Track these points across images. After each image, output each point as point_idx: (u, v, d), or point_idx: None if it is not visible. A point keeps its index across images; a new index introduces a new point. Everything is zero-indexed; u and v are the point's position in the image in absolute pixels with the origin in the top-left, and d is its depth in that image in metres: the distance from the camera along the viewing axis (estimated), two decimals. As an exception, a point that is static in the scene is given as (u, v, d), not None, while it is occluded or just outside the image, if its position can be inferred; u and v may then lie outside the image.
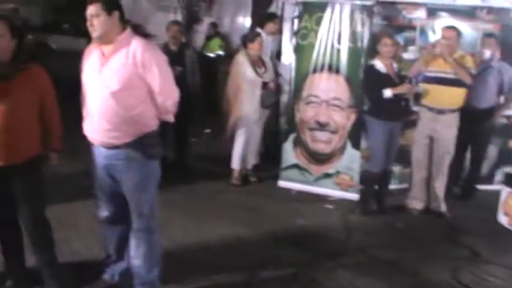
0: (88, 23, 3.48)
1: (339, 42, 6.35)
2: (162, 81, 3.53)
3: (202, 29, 14.74)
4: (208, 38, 12.98)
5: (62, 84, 3.86)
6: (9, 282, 3.98)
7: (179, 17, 14.70)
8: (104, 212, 3.91)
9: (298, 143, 6.71)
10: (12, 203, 3.77)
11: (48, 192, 3.89)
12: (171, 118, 3.77)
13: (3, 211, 3.83)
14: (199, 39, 14.31)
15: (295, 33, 6.64)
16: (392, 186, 6.57)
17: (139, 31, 12.07)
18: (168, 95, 3.63)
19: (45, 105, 3.76)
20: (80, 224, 5.16)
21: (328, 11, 6.34)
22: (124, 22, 3.57)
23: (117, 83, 3.44)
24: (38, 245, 3.90)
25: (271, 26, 7.30)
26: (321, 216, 5.96)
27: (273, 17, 7.60)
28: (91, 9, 3.45)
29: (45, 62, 3.96)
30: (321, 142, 6.60)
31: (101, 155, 3.67)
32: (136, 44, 3.49)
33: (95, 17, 3.45)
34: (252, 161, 6.89)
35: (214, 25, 13.41)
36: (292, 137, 6.74)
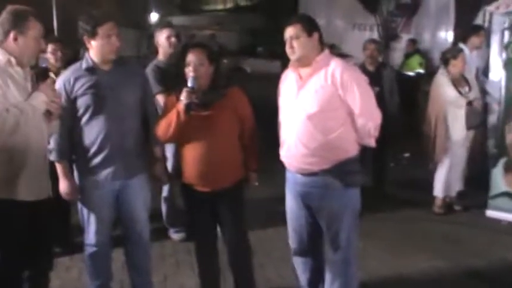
0: (287, 45, 3.60)
1: (557, 55, 5.96)
2: (363, 102, 3.52)
3: (400, 46, 14.63)
4: (407, 55, 12.86)
5: (256, 108, 4.08)
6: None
7: (375, 35, 14.71)
8: (294, 244, 3.99)
9: (510, 168, 6.36)
10: (214, 227, 4.08)
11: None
12: (372, 143, 3.72)
13: (207, 235, 4.12)
14: (397, 57, 14.20)
15: (505, 47, 6.34)
16: None
17: (334, 51, 12.31)
18: (370, 117, 3.59)
19: (244, 126, 3.97)
20: (273, 251, 5.35)
21: (545, 20, 6.00)
22: (322, 43, 3.67)
23: (315, 105, 3.51)
24: (239, 268, 4.16)
25: (475, 40, 7.06)
26: (537, 252, 5.58)
27: (477, 29, 7.34)
28: (291, 31, 3.58)
29: (240, 86, 4.18)
30: (537, 168, 6.20)
31: (296, 182, 3.76)
32: (335, 65, 3.53)
33: (295, 39, 3.56)
34: (456, 187, 6.66)
35: (413, 42, 13.25)
36: (502, 161, 6.40)
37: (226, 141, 3.86)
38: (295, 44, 3.57)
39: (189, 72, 3.74)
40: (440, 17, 14.68)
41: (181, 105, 3.67)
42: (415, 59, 12.36)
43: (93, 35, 3.73)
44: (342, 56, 12.82)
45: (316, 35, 3.59)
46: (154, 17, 31.29)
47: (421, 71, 11.98)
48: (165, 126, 3.78)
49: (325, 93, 3.50)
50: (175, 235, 5.61)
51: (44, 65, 5.37)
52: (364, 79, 3.64)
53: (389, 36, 15.23)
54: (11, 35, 3.31)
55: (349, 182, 3.64)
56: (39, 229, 3.56)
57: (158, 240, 5.31)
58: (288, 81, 3.75)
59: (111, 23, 3.77)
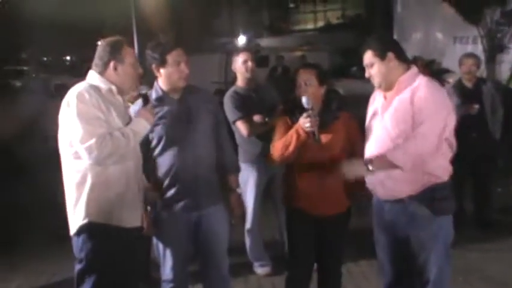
0: (366, 74, 3.64)
1: None
2: (424, 124, 3.37)
3: (508, 59, 14.15)
4: (515, 68, 12.47)
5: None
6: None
7: (479, 48, 14.30)
8: (386, 277, 3.91)
9: None
10: (313, 260, 4.16)
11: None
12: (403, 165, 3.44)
13: (305, 265, 4.14)
14: (505, 70, 13.75)
15: None
16: None
17: (434, 67, 12.10)
18: (420, 145, 3.40)
19: (355, 151, 3.96)
20: (366, 286, 5.27)
21: None
22: (405, 60, 3.62)
23: (396, 127, 3.47)
24: None
25: None
26: None
27: None
28: (364, 59, 3.61)
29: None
30: None
31: (381, 209, 3.72)
32: (419, 83, 3.47)
33: (370, 67, 3.58)
34: None
35: (522, 52, 12.84)
36: None
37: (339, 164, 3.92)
38: (371, 71, 3.60)
39: (301, 92, 3.88)
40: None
41: (303, 129, 3.77)
42: (524, 71, 11.97)
43: (161, 62, 3.84)
44: (443, 72, 12.60)
45: (391, 55, 3.53)
46: (242, 40, 31.77)
47: (532, 83, 11.57)
48: (282, 148, 3.91)
49: (405, 115, 3.44)
50: (260, 269, 5.58)
51: (143, 92, 5.46)
52: (443, 103, 3.48)
53: (495, 48, 14.70)
54: (111, 65, 3.52)
55: (438, 209, 3.52)
56: (131, 259, 3.63)
57: (242, 275, 5.35)
58: (375, 104, 3.74)
59: (180, 50, 3.86)
